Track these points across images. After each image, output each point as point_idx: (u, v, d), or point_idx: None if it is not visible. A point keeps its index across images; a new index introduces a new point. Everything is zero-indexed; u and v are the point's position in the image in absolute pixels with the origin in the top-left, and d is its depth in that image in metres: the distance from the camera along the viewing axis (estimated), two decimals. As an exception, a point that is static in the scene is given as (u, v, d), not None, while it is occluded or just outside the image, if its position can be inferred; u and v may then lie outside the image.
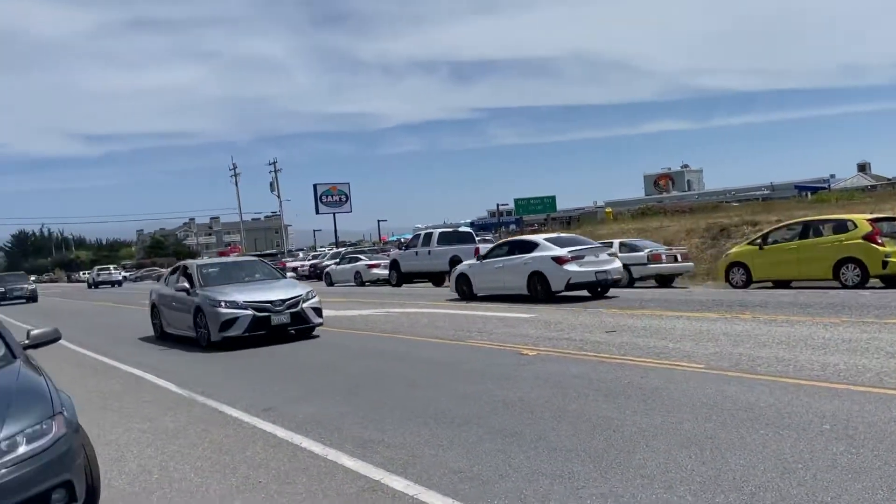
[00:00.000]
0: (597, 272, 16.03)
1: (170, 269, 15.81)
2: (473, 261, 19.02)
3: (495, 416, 6.19)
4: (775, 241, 17.36)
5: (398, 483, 4.68)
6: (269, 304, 11.95)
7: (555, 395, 6.80)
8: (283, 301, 12.11)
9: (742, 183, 75.41)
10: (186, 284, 13.05)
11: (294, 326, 12.26)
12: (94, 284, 59.77)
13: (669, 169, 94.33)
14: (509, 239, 22.27)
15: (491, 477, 4.67)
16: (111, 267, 70.39)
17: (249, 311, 11.82)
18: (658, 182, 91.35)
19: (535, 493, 4.32)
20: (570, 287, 16.01)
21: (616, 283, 16.83)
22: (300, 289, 12.91)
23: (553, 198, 39.39)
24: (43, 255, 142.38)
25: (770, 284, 17.38)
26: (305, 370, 9.40)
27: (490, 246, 21.96)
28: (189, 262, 14.85)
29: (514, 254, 17.29)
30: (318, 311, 12.66)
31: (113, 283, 59.50)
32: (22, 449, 3.82)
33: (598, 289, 16.60)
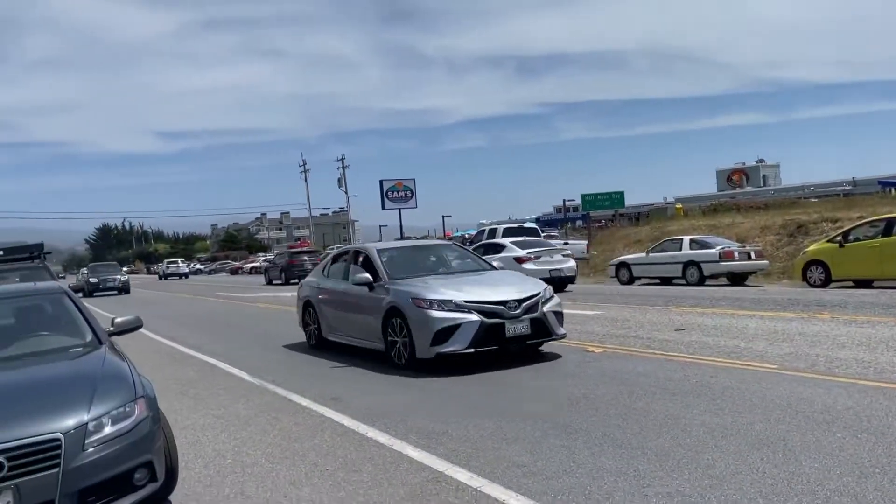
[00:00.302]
0: (550, 270, 19.37)
1: (330, 257, 11.89)
2: None
3: (560, 413, 6.17)
4: (857, 239, 16.65)
5: (462, 475, 4.73)
6: (500, 307, 8.25)
7: (621, 393, 6.72)
8: (519, 302, 8.38)
9: (822, 178, 72.38)
10: (367, 276, 9.31)
11: (534, 339, 8.58)
12: (164, 276, 64.21)
13: (744, 164, 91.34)
14: (482, 242, 24.52)
15: (555, 472, 4.67)
16: (179, 260, 75.01)
17: (475, 316, 8.19)
18: (731, 177, 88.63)
19: (600, 490, 4.29)
20: None
21: (571, 280, 20.51)
22: (534, 284, 9.07)
23: (621, 193, 38.54)
24: (125, 247, 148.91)
25: (850, 284, 16.67)
26: (373, 362, 9.55)
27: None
28: (367, 245, 10.66)
29: (487, 254, 18.74)
30: (560, 318, 8.95)
31: (180, 276, 63.84)
32: (107, 430, 4.03)
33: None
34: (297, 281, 37.36)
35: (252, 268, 66.26)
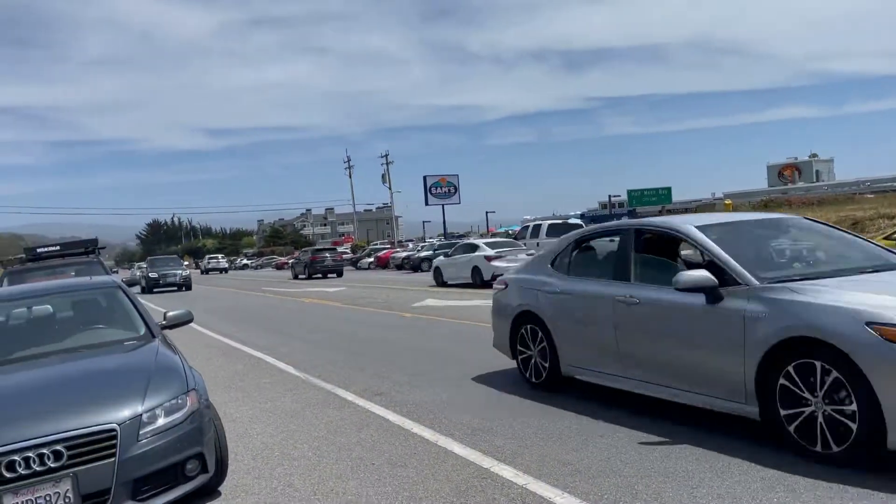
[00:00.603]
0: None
1: (573, 240, 7.00)
2: (441, 257, 26.32)
3: (604, 410, 6.10)
4: None
5: (507, 472, 4.72)
6: None
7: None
8: None
9: (877, 173, 70.10)
10: (708, 276, 5.04)
11: None
12: (205, 271, 67.10)
13: (796, 159, 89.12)
14: (462, 243, 27.98)
15: (601, 470, 4.63)
16: (218, 256, 78.99)
17: None
18: (783, 172, 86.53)
19: (647, 489, 4.24)
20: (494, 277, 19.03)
21: None
22: None
23: (668, 189, 38.14)
24: (174, 242, 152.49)
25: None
26: (416, 357, 9.60)
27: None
28: (671, 220, 6.45)
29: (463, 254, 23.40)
30: None
31: (220, 270, 67.19)
32: (161, 421, 4.14)
33: None
34: (319, 276, 38.72)
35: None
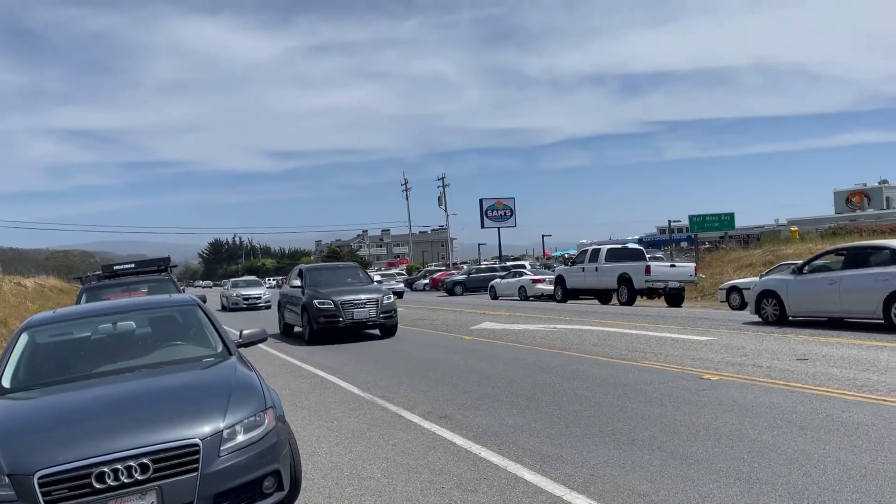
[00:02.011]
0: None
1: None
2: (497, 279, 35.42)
3: (678, 441, 5.95)
4: None
5: (581, 501, 4.63)
6: None
7: (742, 424, 6.42)
8: None
9: (954, 200, 66.93)
10: None
11: None
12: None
13: (864, 184, 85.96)
14: (512, 269, 39.19)
15: (679, 503, 4.50)
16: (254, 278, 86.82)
17: None
18: (850, 199, 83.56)
19: (729, 526, 4.10)
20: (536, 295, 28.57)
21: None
22: None
23: (731, 215, 37.06)
24: (234, 261, 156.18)
25: None
26: (478, 380, 9.55)
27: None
28: None
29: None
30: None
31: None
32: (240, 438, 4.21)
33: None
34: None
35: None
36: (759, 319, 15.41)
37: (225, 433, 4.17)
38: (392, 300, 16.36)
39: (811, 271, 14.65)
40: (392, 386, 9.48)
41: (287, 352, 14.16)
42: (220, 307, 34.41)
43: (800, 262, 18.47)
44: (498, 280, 35.36)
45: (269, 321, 19.88)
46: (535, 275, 33.54)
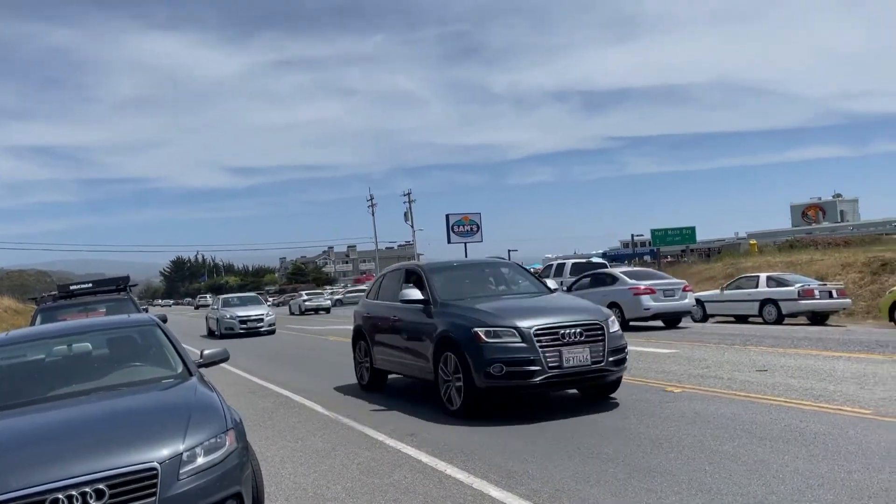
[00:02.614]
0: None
1: None
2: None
3: (642, 454, 6.00)
4: None
5: (546, 516, 4.63)
6: None
7: (704, 435, 6.50)
8: None
9: (905, 213, 69.18)
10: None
11: None
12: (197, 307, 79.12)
13: (819, 199, 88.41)
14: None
15: (642, 517, 4.53)
16: (207, 295, 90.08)
17: None
18: (807, 212, 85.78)
19: (692, 538, 4.14)
20: None
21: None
22: None
23: (692, 229, 37.83)
24: (196, 279, 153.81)
25: (944, 325, 15.80)
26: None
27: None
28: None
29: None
30: None
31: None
32: (200, 460, 4.12)
33: None
34: (312, 313, 45.86)
35: (319, 301, 67.30)
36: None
37: (184, 456, 4.08)
38: (618, 329, 8.28)
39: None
40: (358, 404, 9.40)
41: (251, 370, 13.97)
42: (206, 332, 27.64)
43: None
44: None
45: (302, 359, 19.58)
46: None
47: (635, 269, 23.55)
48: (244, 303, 27.76)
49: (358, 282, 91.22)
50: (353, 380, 11.83)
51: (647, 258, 64.85)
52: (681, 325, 19.16)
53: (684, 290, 18.84)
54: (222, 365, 13.49)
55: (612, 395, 8.61)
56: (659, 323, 18.96)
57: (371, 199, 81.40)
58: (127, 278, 14.01)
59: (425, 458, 6.33)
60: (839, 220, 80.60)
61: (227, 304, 27.63)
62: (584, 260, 32.05)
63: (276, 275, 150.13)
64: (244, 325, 25.30)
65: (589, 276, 21.10)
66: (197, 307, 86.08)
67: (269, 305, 30.89)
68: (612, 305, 17.77)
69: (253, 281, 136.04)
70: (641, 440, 6.47)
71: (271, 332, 25.24)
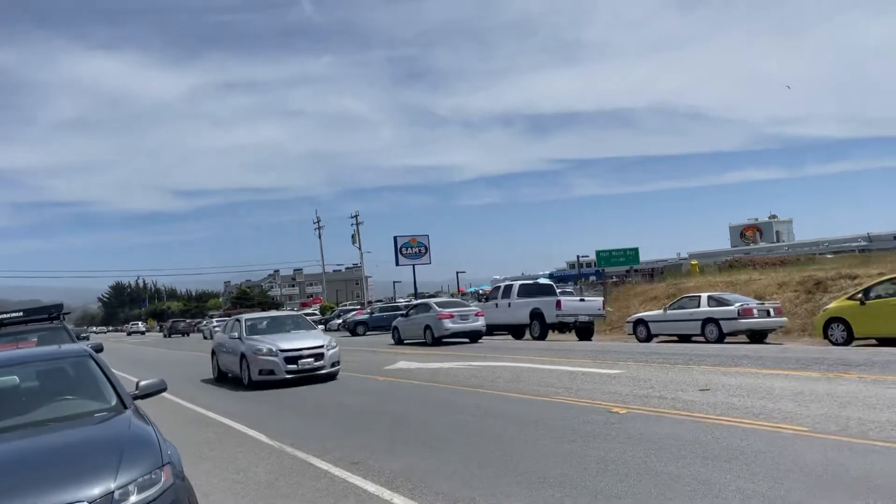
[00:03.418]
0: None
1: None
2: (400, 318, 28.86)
3: (589, 477, 6.02)
4: (878, 296, 16.44)
5: (493, 545, 4.59)
6: None
7: (649, 456, 6.57)
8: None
9: (835, 234, 72.16)
10: None
11: None
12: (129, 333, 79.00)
13: (756, 219, 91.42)
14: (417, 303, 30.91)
15: (589, 542, 4.53)
16: (139, 322, 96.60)
17: None
18: (745, 233, 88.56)
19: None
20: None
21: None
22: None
23: (636, 250, 38.58)
24: (137, 305, 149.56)
25: (874, 342, 16.41)
26: (391, 423, 9.41)
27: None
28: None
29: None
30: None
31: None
32: (133, 498, 3.96)
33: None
34: (180, 335, 49.29)
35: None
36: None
37: (116, 494, 3.92)
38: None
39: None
40: (302, 432, 9.21)
41: (193, 399, 13.57)
42: (213, 374, 17.85)
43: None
44: (400, 318, 28.72)
45: (159, 367, 18.98)
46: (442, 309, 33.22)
47: (447, 300, 30.51)
48: (283, 327, 16.70)
49: (304, 305, 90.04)
50: (297, 407, 11.61)
51: (593, 279, 65.87)
52: (481, 340, 24.54)
53: (476, 314, 25.02)
54: (164, 395, 13.11)
55: (560, 419, 8.62)
56: (465, 339, 24.64)
57: (318, 222, 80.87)
58: (60, 306, 13.49)
59: (371, 486, 6.23)
60: (775, 241, 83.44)
61: (255, 329, 16.41)
62: (531, 281, 32.28)
63: (221, 299, 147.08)
64: (293, 367, 14.70)
65: (415, 305, 28.85)
66: (129, 333, 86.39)
67: (322, 331, 21.38)
68: (427, 327, 24.79)
69: (196, 306, 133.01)
70: (588, 463, 6.50)
71: (333, 377, 15.27)
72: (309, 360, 14.67)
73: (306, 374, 14.62)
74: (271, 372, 14.56)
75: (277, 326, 16.63)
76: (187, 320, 74.53)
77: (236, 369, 15.69)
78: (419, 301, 31.52)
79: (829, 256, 42.74)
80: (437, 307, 25.25)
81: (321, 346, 14.99)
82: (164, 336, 68.34)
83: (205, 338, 49.89)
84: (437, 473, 6.53)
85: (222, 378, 16.99)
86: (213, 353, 18.10)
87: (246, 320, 16.78)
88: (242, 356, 15.21)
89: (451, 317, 24.29)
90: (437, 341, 24.26)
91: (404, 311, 29.79)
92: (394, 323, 28.94)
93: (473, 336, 24.71)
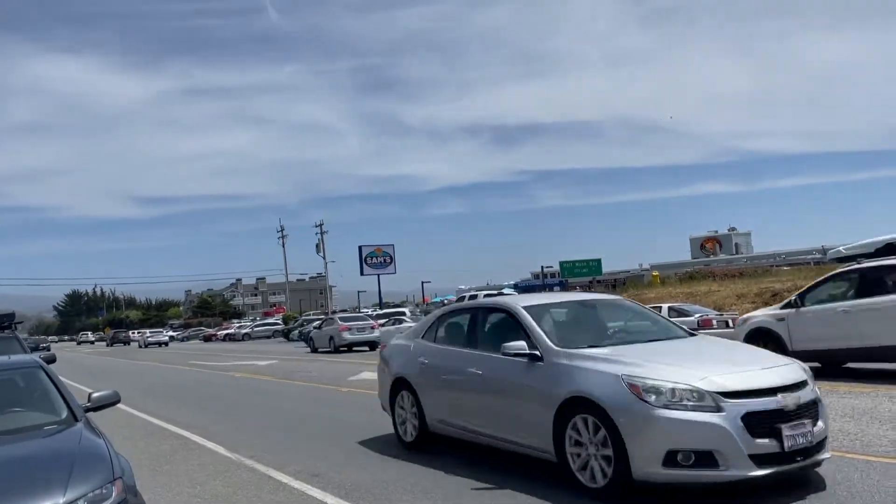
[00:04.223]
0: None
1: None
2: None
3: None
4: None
5: (452, 557, 4.56)
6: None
7: None
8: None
9: (792, 246, 73.91)
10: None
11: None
12: (111, 343, 75.92)
13: (716, 232, 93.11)
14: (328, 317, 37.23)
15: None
16: (89, 333, 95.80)
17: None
18: (705, 245, 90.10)
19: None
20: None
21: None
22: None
23: (599, 261, 39.22)
24: (94, 314, 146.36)
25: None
26: (354, 434, 9.33)
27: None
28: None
29: None
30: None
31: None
32: (83, 514, 3.85)
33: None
34: (121, 343, 50.68)
35: (226, 335, 65.44)
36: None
37: (65, 510, 3.80)
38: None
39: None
40: (262, 444, 9.08)
41: (149, 411, 13.29)
42: (407, 434, 8.30)
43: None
44: (313, 329, 33.68)
45: (204, 398, 18.52)
46: (414, 322, 33.42)
47: (350, 314, 36.03)
48: (606, 328, 7.63)
49: (267, 314, 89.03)
50: (257, 419, 11.45)
51: (557, 289, 66.44)
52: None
53: (373, 327, 29.61)
54: (119, 406, 12.85)
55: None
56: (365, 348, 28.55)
57: (282, 231, 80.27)
58: (12, 315, 13.12)
59: (331, 499, 6.16)
60: (734, 253, 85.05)
61: (561, 334, 6.87)
62: (496, 292, 32.46)
63: (181, 308, 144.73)
64: (772, 447, 5.34)
65: (325, 319, 33.49)
66: (80, 343, 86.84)
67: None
68: (331, 337, 29.23)
69: (156, 315, 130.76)
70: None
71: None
72: (802, 423, 5.35)
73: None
74: (708, 461, 5.11)
75: (595, 327, 7.18)
76: (127, 331, 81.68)
77: (534, 439, 6.24)
78: (327, 316, 37.64)
79: (785, 269, 43.71)
80: (339, 321, 30.35)
81: (803, 381, 5.68)
82: (108, 345, 74.06)
83: (140, 346, 51.49)
84: (398, 484, 6.47)
85: (427, 440, 7.88)
86: (400, 385, 8.28)
87: (526, 308, 6.88)
88: (575, 405, 5.72)
89: (350, 329, 29.08)
90: (337, 349, 28.91)
91: (317, 325, 34.86)
92: (310, 333, 33.40)
93: (371, 345, 28.46)
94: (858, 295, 11.61)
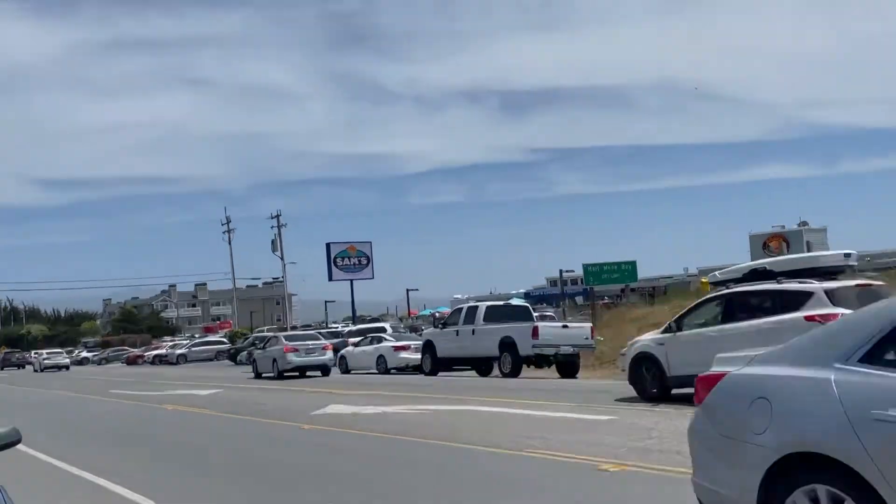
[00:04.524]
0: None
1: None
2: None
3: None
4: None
5: None
6: None
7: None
8: None
9: (878, 246, 74.16)
10: None
11: None
12: (37, 368, 67.71)
13: (783, 227, 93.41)
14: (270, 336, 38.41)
15: None
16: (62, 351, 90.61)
17: None
18: (768, 244, 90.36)
19: None
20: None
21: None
22: None
23: (633, 264, 39.18)
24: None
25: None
26: (315, 486, 9.34)
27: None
28: None
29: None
30: None
31: (59, 367, 64.58)
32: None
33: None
34: (15, 368, 50.99)
35: (156, 356, 65.45)
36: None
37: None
38: None
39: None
40: (201, 499, 9.08)
41: (61, 455, 13.24)
42: None
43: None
44: (351, 348, 34.61)
45: (129, 437, 18.44)
46: (397, 340, 33.35)
47: (297, 333, 39.19)
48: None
49: (208, 331, 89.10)
50: (196, 464, 11.45)
51: (580, 299, 66.57)
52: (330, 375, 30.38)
53: (324, 348, 31.15)
54: (24, 449, 12.87)
55: (534, 480, 8.65)
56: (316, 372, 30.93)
57: (228, 223, 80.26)
58: None
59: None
60: (806, 253, 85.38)
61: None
62: (501, 302, 32.47)
63: (98, 322, 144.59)
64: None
65: (268, 338, 35.50)
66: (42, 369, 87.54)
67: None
68: (274, 360, 30.42)
69: (65, 331, 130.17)
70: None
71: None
72: None
73: None
74: None
75: None
76: (23, 352, 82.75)
77: None
78: (271, 335, 39.72)
79: (870, 274, 43.89)
80: (284, 340, 31.81)
81: None
82: None
83: (35, 371, 51.86)
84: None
85: None
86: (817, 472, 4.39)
87: None
88: None
89: (296, 350, 30.06)
90: (281, 375, 30.17)
91: (257, 346, 37.23)
92: (254, 356, 34.71)
93: (322, 370, 30.51)
94: (725, 320, 14.27)
